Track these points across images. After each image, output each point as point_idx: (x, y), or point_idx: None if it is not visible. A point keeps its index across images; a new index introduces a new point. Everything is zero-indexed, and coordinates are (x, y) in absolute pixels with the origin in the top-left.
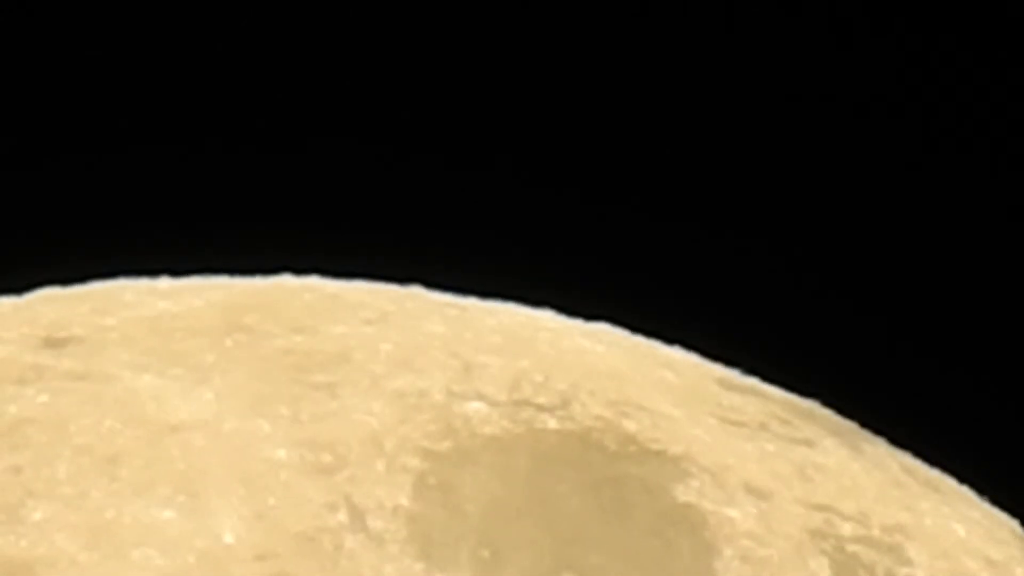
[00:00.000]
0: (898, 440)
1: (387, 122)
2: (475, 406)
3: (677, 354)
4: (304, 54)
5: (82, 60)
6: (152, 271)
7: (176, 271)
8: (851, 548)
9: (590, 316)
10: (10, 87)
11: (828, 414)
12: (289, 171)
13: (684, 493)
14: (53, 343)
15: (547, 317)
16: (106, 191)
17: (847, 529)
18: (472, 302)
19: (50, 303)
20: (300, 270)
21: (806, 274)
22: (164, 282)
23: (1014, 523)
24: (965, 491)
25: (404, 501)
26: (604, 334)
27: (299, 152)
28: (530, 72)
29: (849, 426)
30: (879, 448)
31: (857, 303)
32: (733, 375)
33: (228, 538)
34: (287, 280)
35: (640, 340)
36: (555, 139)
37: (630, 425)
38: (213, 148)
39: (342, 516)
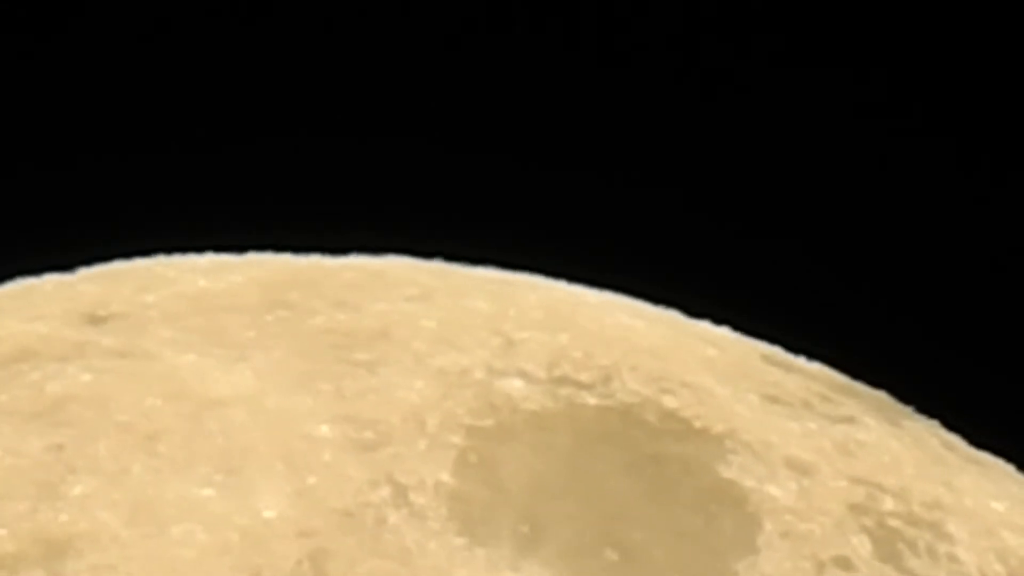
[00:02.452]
0: (938, 416)
1: (423, 103)
2: (516, 383)
3: (719, 330)
4: (354, 38)
5: (122, 44)
6: (193, 248)
7: (218, 248)
8: (892, 524)
9: (631, 293)
10: (49, 70)
11: (869, 390)
12: (328, 148)
13: (726, 470)
14: (95, 320)
15: (589, 293)
16: (148, 169)
17: (888, 505)
18: (515, 277)
19: (92, 280)
20: (340, 247)
21: (851, 251)
22: (205, 259)
23: None
24: (1006, 467)
25: (446, 478)
26: (646, 310)
27: (338, 130)
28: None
29: (890, 402)
30: (919, 424)
31: (899, 280)
32: (775, 351)
33: (269, 515)
34: (328, 257)
35: (681, 316)
36: (600, 121)
37: (672, 401)
38: (255, 127)
39: (384, 493)
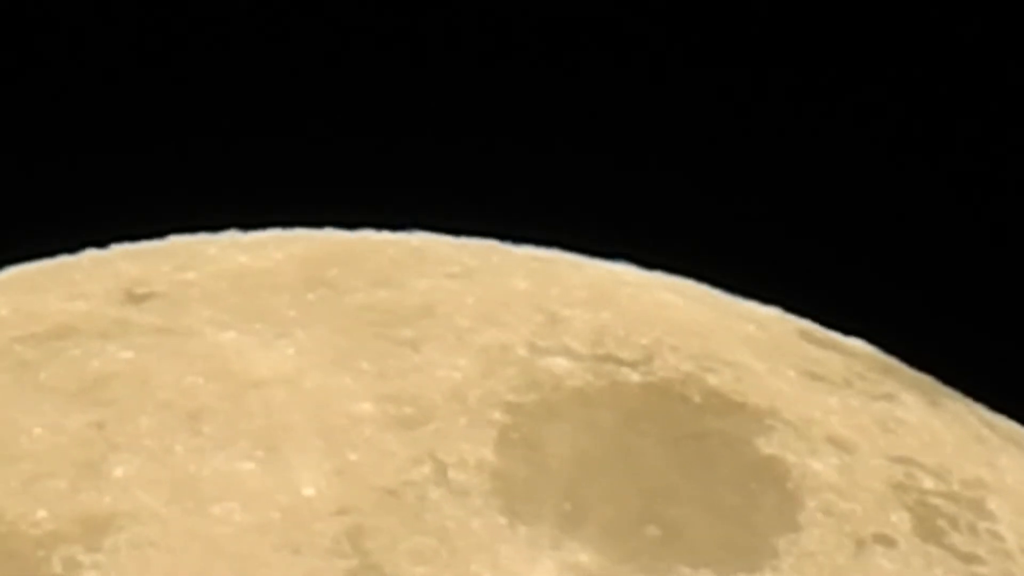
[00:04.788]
0: (978, 394)
1: (466, 85)
2: (560, 360)
3: (760, 308)
4: (400, 26)
5: (165, 23)
6: (233, 225)
7: (258, 224)
8: (932, 502)
9: (673, 270)
10: (79, 51)
11: (908, 369)
12: (370, 128)
13: (767, 446)
14: (135, 298)
15: (630, 271)
16: (186, 143)
17: (928, 483)
18: (555, 256)
19: (132, 258)
20: (381, 224)
21: (894, 233)
22: (246, 236)
23: None
24: None
25: (488, 455)
26: (687, 288)
27: (379, 109)
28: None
29: (930, 380)
30: (959, 403)
31: (937, 259)
32: (815, 329)
33: (309, 492)
34: (370, 234)
35: (723, 294)
36: (641, 100)
37: (713, 379)
38: (297, 107)
39: (425, 470)
